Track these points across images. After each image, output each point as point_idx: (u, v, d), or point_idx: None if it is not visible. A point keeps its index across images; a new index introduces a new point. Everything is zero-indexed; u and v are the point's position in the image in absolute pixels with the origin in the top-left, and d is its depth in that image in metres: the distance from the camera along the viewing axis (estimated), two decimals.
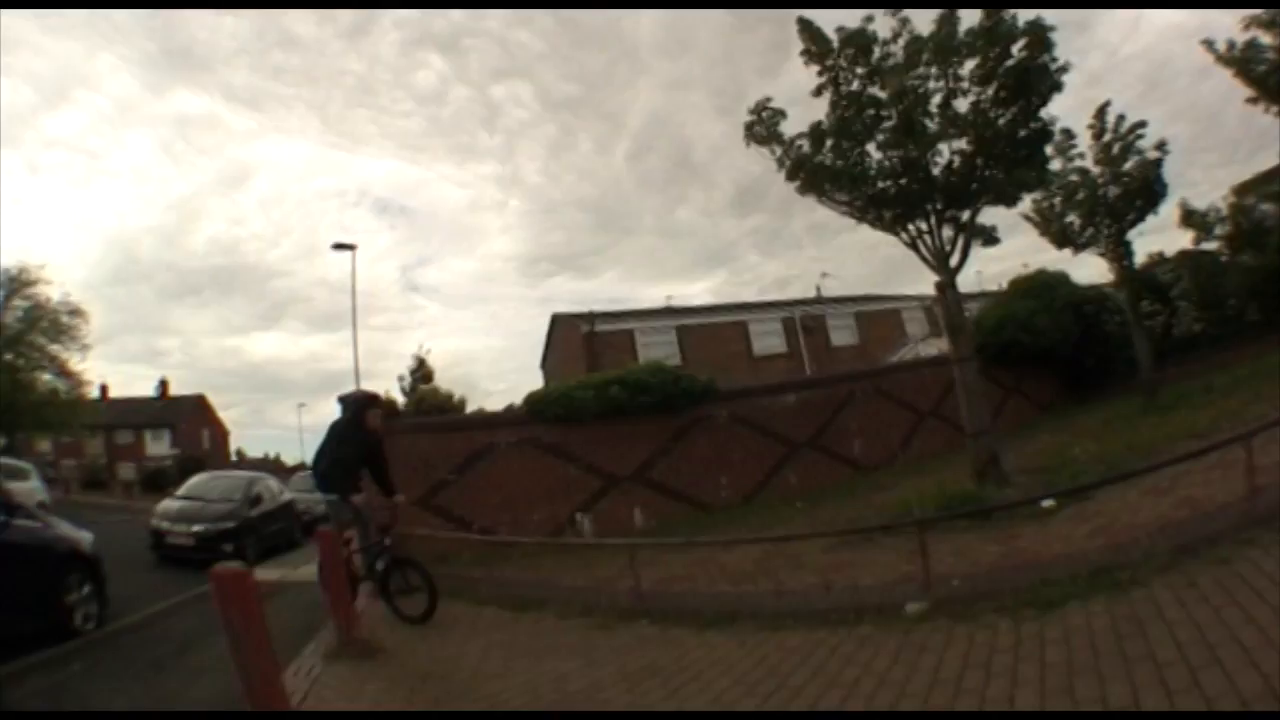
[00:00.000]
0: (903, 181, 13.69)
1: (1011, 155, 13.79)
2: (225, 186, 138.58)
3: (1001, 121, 13.58)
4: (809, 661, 6.51)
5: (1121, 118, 20.47)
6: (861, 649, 6.56)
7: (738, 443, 19.45)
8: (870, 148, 13.89)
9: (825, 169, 13.94)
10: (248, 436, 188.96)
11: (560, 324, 38.95)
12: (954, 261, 14.05)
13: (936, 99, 13.67)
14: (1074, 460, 13.72)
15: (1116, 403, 21.85)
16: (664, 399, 18.39)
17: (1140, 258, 26.48)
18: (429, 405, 20.70)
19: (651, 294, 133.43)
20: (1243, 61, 18.76)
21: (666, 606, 9.15)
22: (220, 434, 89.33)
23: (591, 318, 34.99)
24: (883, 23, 13.84)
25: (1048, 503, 10.19)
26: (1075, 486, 10.66)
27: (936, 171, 13.71)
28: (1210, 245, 27.40)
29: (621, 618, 9.01)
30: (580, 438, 17.69)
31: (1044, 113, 13.74)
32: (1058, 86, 13.65)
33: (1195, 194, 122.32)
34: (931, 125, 13.60)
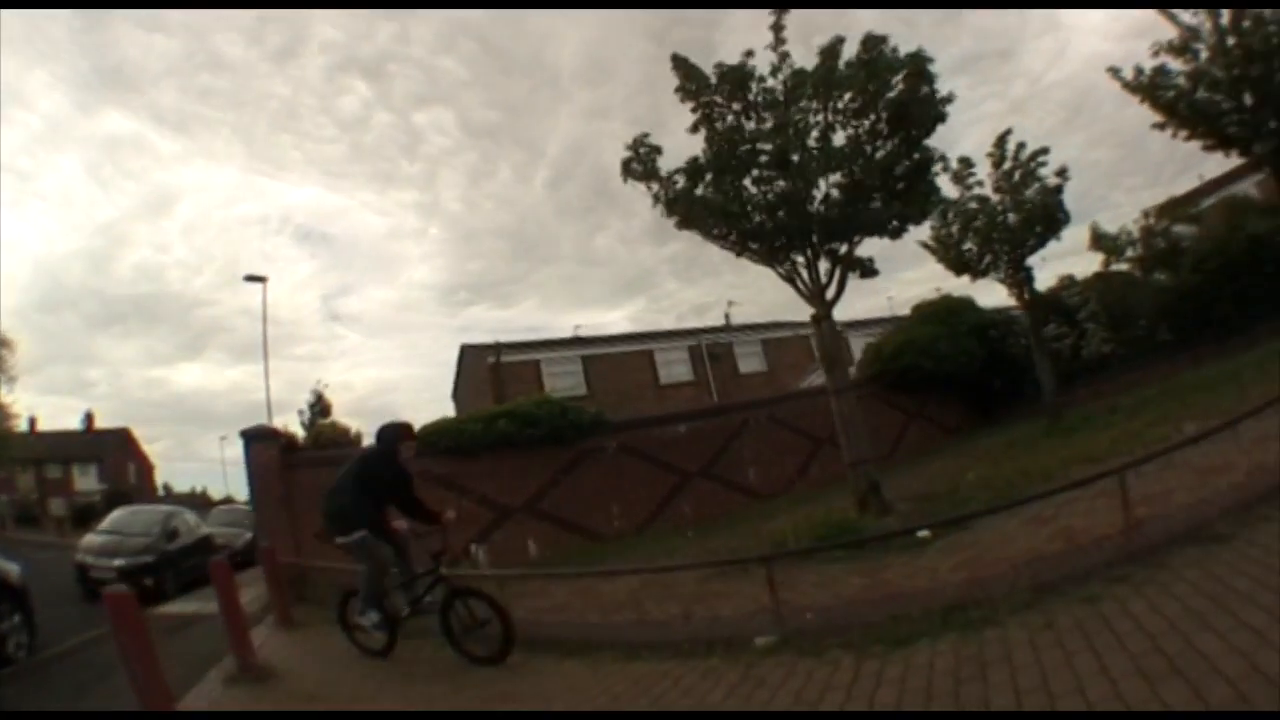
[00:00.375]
0: (780, 216, 13.57)
1: (889, 188, 13.84)
2: (150, 212, 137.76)
3: (880, 154, 13.58)
4: (650, 692, 6.73)
5: (1022, 145, 20.58)
6: (703, 681, 6.73)
7: (629, 473, 19.62)
8: (747, 182, 13.76)
9: (703, 204, 13.81)
10: (175, 470, 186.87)
11: (469, 354, 39.01)
12: (830, 294, 14.10)
13: (815, 133, 13.61)
14: (966, 486, 13.75)
15: (1023, 425, 22.07)
16: (552, 431, 18.59)
17: (1050, 281, 27.29)
18: (326, 439, 20.74)
19: (569, 322, 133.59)
20: (1150, 88, 18.83)
21: (537, 635, 9.28)
22: (146, 467, 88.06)
23: (498, 348, 35.01)
24: (763, 57, 13.75)
25: (923, 533, 10.04)
26: (952, 517, 10.58)
27: (814, 206, 13.65)
28: (1122, 267, 27.68)
29: None
30: (472, 470, 17.73)
31: (936, 143, 13.85)
32: (940, 118, 13.72)
33: (1118, 215, 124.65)
34: (809, 159, 13.48)
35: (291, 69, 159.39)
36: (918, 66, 13.17)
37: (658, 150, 14.01)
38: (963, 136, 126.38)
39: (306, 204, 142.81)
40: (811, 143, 13.46)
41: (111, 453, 77.25)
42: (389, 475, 9.48)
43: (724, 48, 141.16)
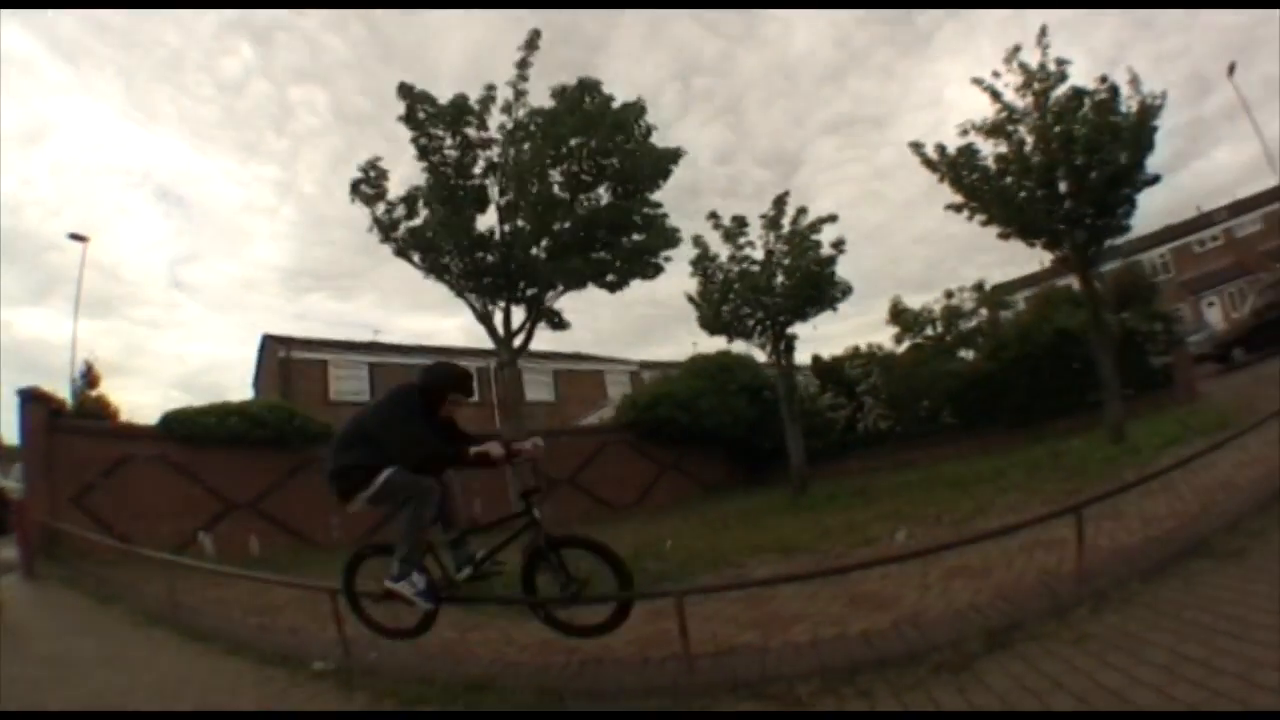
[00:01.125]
0: (481, 255, 14.10)
1: (592, 241, 14.31)
2: (25, 140, 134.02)
3: (586, 206, 14.16)
4: (215, 684, 7.61)
5: (803, 211, 20.61)
6: (255, 685, 7.46)
7: None
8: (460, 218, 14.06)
9: (411, 234, 14.31)
10: (6, 422, 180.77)
11: (268, 345, 38.39)
12: (518, 341, 14.70)
13: (532, 177, 13.83)
14: (654, 556, 13.20)
15: (774, 493, 21.99)
16: (278, 435, 19.36)
17: (836, 350, 28.39)
18: (87, 410, 22.46)
19: (405, 324, 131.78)
20: (953, 167, 17.81)
21: (187, 621, 10.16)
22: None
23: (289, 344, 35.17)
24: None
25: None
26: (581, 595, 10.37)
27: (517, 250, 14.06)
28: (918, 344, 28.02)
29: (152, 621, 10.33)
30: (206, 460, 18.59)
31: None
32: (662, 174, 14.30)
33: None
34: (515, 203, 13.93)
35: (186, 17, 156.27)
36: (622, 119, 13.58)
37: (385, 175, 14.25)
38: (821, 194, 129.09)
39: (170, 162, 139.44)
40: (530, 187, 13.64)
41: None
42: (418, 424, 6.75)
43: (604, 70, 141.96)
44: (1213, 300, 53.18)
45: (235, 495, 18.74)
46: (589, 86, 13.69)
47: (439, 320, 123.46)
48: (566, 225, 13.91)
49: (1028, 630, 6.08)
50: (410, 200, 14.12)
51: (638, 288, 16.04)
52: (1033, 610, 6.47)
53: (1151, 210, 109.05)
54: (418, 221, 14.27)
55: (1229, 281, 52.24)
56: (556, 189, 13.75)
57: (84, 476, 17.05)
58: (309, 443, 19.60)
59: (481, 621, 9.20)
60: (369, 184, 14.19)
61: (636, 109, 13.83)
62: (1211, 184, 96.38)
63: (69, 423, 18.54)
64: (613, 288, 14.71)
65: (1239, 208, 56.64)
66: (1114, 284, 36.62)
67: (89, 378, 30.73)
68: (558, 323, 14.87)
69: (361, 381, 35.82)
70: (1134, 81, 16.65)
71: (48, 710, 6.56)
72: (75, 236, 34.31)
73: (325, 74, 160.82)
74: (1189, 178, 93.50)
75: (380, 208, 14.25)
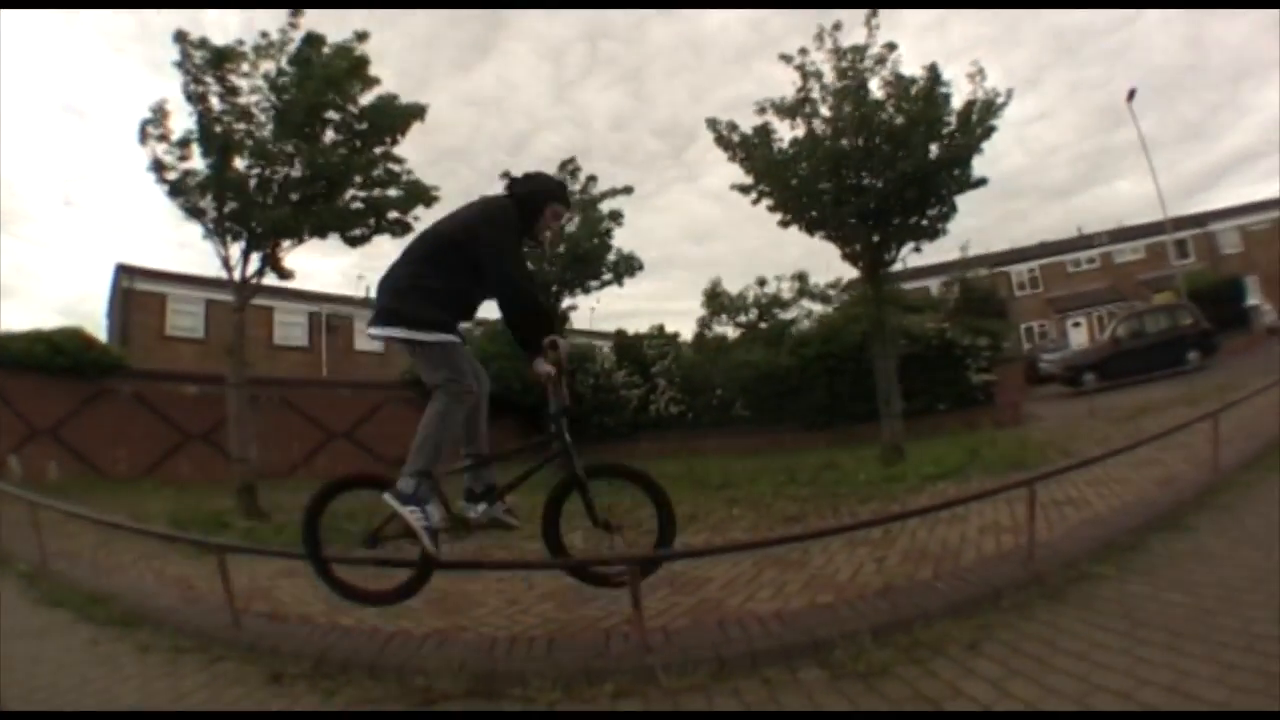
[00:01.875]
0: (228, 203, 14.74)
1: (314, 194, 14.98)
2: None
3: (308, 159, 14.73)
4: None
5: (593, 179, 21.99)
6: None
7: (139, 421, 21.52)
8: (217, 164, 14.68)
9: (185, 178, 14.80)
10: None
11: (120, 275, 36.71)
12: (249, 289, 15.26)
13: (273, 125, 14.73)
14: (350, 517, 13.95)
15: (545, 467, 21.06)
16: (75, 364, 20.41)
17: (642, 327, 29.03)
18: None
19: (290, 261, 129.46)
20: (745, 146, 16.80)
21: None
22: None
23: (133, 273, 34.72)
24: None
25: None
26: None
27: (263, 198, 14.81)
28: (728, 330, 29.66)
29: None
30: (18, 385, 19.74)
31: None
32: (400, 129, 15.25)
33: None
34: (257, 149, 14.68)
35: None
36: (333, 74, 14.39)
37: (168, 116, 14.75)
38: (710, 171, 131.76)
39: (86, 70, 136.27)
40: (265, 136, 14.66)
41: None
42: (510, 248, 5.60)
43: (515, 24, 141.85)
44: (1079, 321, 54.96)
45: (39, 421, 19.93)
46: (314, 40, 14.47)
47: (320, 259, 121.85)
48: (293, 175, 14.66)
49: (530, 690, 5.25)
50: (184, 143, 14.57)
51: None
52: (562, 667, 5.48)
53: (1041, 227, 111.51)
54: (190, 165, 14.69)
55: (1099, 305, 53.90)
56: (288, 142, 14.51)
57: None
58: (103, 374, 21.02)
59: (177, 560, 9.78)
60: (155, 125, 14.65)
61: (354, 60, 14.53)
62: (1108, 211, 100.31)
63: None
64: (354, 242, 15.57)
65: (1121, 234, 58.43)
66: (948, 292, 37.65)
67: None
68: (282, 273, 15.40)
69: (197, 318, 35.34)
70: (976, 75, 15.69)
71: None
72: None
73: None
74: (1090, 201, 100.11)
75: (161, 148, 14.64)
